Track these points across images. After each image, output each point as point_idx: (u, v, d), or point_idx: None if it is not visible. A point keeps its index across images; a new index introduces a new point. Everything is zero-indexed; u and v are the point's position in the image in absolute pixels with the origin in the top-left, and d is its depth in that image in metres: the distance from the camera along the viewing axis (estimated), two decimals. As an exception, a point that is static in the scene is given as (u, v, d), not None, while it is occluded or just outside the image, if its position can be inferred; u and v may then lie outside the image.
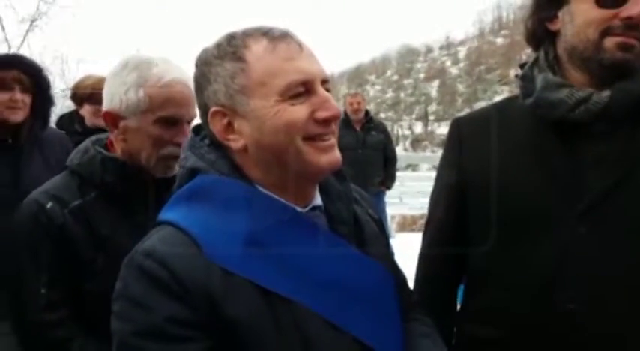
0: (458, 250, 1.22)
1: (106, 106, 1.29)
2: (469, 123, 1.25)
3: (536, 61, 1.13)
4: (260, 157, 0.85)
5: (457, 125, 1.25)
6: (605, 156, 1.02)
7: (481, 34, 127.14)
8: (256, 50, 0.83)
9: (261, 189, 0.87)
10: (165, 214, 0.86)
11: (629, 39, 0.98)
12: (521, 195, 1.07)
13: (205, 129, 0.91)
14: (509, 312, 1.11)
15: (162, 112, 1.23)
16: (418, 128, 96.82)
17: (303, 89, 0.82)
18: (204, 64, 0.87)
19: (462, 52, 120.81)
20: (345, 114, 5.31)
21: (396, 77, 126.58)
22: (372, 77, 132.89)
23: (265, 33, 0.85)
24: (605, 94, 1.00)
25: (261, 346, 0.76)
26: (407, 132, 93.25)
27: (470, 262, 1.22)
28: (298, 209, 0.89)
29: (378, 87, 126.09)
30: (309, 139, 0.83)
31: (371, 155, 5.24)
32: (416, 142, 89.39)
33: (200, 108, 0.91)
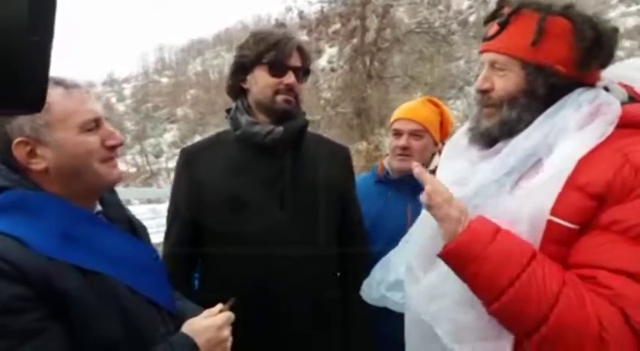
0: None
1: None
2: (196, 150, 1.74)
3: (237, 107, 1.71)
4: (60, 176, 1.13)
5: (186, 153, 1.73)
6: (284, 165, 1.65)
7: (145, 73, 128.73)
8: (55, 94, 1.11)
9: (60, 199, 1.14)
10: None
11: (289, 96, 1.65)
12: (240, 194, 1.60)
13: (3, 156, 1.11)
14: (234, 280, 1.60)
15: None
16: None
17: (94, 124, 1.16)
18: None
19: (128, 89, 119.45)
20: None
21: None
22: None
23: (59, 82, 1.13)
24: (280, 128, 1.63)
25: (90, 308, 1.05)
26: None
27: (205, 249, 1.67)
28: (90, 213, 1.20)
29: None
30: (103, 161, 1.16)
31: None
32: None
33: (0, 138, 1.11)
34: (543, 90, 1.20)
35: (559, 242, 1.08)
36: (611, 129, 1.12)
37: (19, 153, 1.10)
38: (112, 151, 1.19)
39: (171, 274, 1.60)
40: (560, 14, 1.18)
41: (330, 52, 16.65)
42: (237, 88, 1.71)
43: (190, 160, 1.70)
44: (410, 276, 1.36)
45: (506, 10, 1.24)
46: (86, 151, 1.13)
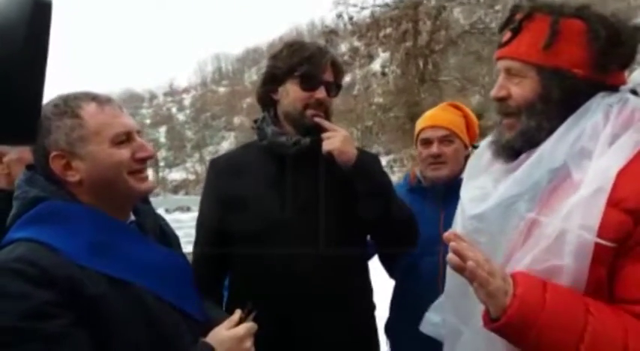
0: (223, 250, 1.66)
1: None
2: (223, 161, 1.74)
3: (264, 117, 1.69)
4: (94, 187, 1.15)
5: (214, 164, 1.73)
6: (307, 174, 1.61)
7: (204, 83, 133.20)
8: (89, 110, 1.14)
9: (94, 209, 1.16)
10: (17, 234, 1.07)
11: (319, 111, 1.60)
12: (262, 203, 1.58)
13: (42, 168, 1.15)
14: (262, 287, 1.57)
15: None
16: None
17: (126, 138, 1.17)
18: (44, 119, 1.13)
19: (187, 99, 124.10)
20: None
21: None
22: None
23: (94, 98, 1.16)
24: (307, 139, 1.59)
25: (116, 315, 1.06)
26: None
27: (233, 260, 1.67)
28: (123, 223, 1.22)
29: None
30: (132, 172, 1.18)
31: None
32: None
33: (38, 152, 1.15)
34: (559, 94, 1.13)
35: (596, 261, 1.01)
36: None
37: (56, 166, 1.13)
38: (142, 163, 1.21)
39: (198, 277, 1.56)
40: (574, 16, 1.13)
41: (383, 56, 16.53)
42: (267, 99, 1.68)
43: (217, 170, 1.71)
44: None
45: (518, 16, 1.18)
46: (117, 163, 1.15)
